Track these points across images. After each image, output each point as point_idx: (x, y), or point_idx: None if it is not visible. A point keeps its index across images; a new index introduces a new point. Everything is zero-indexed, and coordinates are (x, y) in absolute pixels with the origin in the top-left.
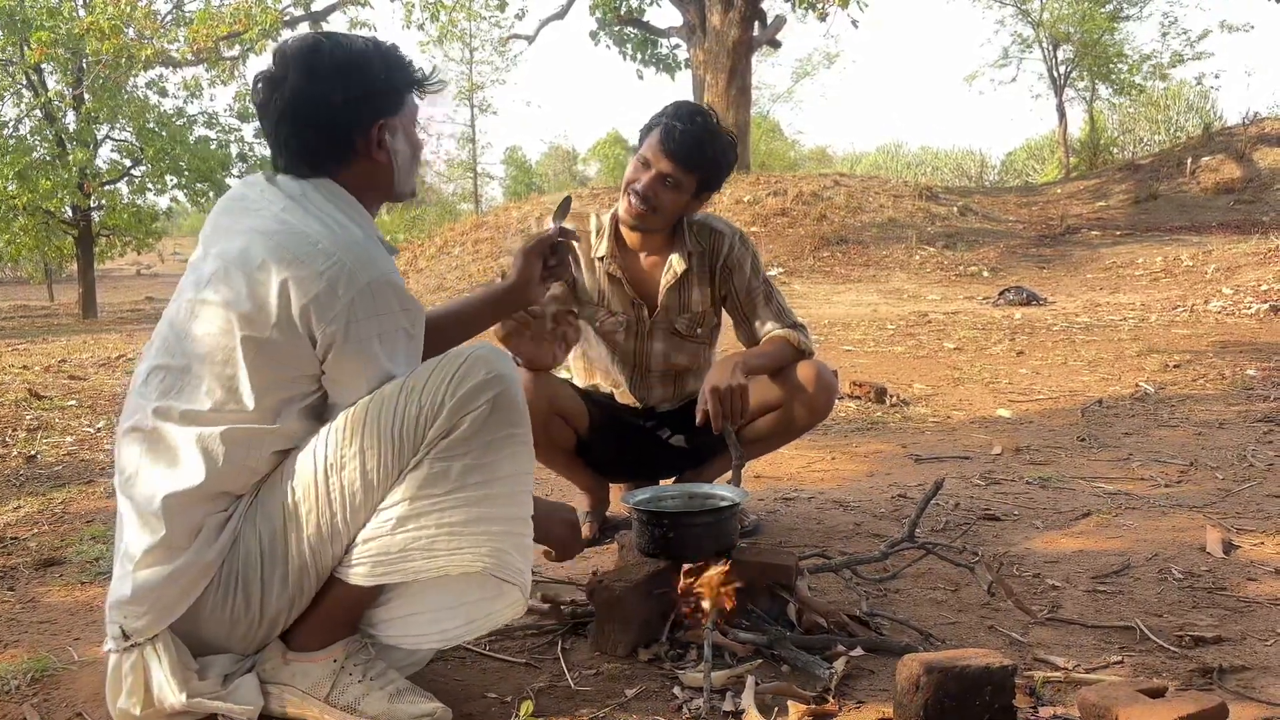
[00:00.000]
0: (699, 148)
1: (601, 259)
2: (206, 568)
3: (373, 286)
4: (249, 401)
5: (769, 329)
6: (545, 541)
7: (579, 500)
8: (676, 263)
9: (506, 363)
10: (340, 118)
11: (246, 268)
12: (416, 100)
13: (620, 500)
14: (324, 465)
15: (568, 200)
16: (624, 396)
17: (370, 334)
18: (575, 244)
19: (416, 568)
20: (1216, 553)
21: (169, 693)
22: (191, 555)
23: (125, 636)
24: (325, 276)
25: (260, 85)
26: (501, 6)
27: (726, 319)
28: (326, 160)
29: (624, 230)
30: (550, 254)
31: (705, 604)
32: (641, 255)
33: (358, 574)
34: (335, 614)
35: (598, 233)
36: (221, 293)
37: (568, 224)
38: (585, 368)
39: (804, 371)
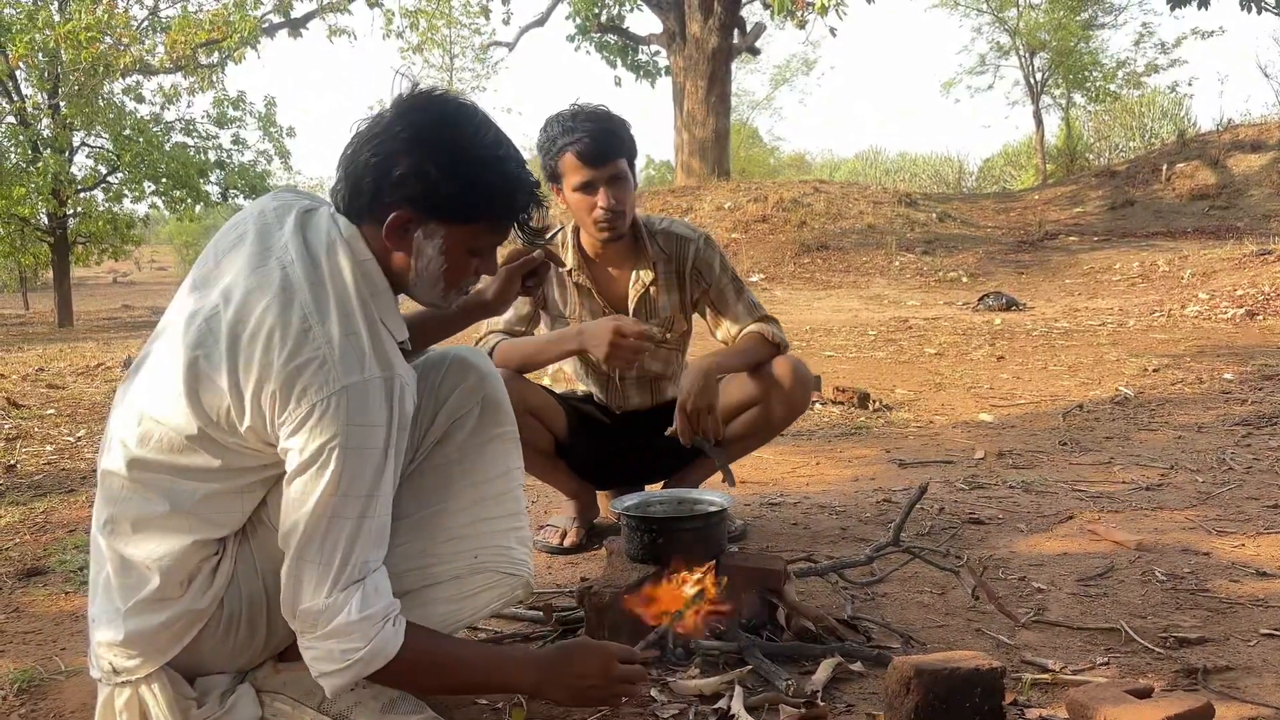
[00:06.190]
0: (615, 135)
1: (570, 272)
2: (201, 614)
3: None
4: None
5: (742, 324)
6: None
7: (565, 507)
8: (644, 275)
9: (487, 361)
10: (385, 184)
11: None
12: (502, 233)
13: (609, 507)
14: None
15: (560, 230)
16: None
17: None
18: (558, 266)
19: (420, 576)
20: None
21: None
22: (186, 604)
23: (115, 672)
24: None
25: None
26: (485, 13)
27: (697, 327)
28: (361, 210)
29: (586, 243)
30: (530, 275)
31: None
32: (607, 266)
33: None
34: None
35: (562, 246)
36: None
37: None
38: (562, 377)
39: (780, 368)
